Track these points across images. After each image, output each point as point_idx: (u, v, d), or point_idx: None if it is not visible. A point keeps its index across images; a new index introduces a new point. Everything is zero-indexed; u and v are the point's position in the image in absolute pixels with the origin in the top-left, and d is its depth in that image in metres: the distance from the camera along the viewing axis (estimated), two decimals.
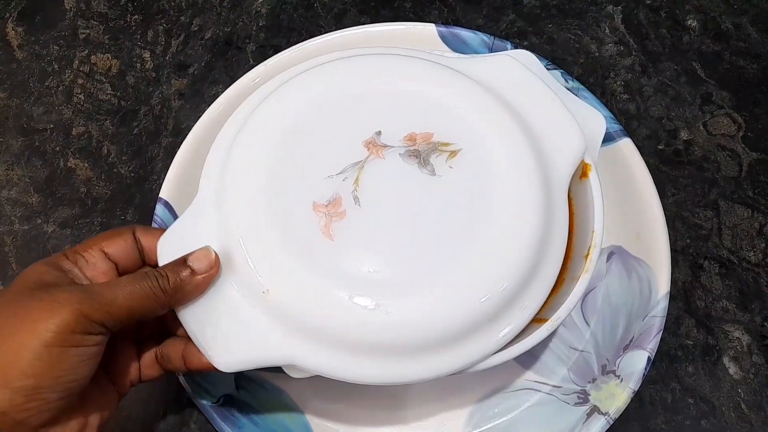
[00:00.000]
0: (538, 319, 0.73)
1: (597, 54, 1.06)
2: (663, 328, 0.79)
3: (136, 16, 1.11)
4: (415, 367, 0.57)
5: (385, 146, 0.62)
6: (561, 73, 0.96)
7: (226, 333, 0.56)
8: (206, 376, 0.78)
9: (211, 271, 0.55)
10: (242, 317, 0.56)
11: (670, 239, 0.84)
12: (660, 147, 0.99)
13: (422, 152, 0.61)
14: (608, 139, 0.90)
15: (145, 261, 0.60)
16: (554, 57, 1.04)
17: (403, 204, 0.60)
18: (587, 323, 0.84)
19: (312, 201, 0.59)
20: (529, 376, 0.81)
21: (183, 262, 0.54)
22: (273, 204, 0.58)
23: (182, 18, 1.11)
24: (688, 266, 0.91)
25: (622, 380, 0.77)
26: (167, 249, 0.56)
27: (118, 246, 0.56)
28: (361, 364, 0.56)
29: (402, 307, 0.56)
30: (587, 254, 0.72)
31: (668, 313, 0.80)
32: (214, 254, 0.56)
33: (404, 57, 0.68)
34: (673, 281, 0.87)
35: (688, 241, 0.92)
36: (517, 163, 0.62)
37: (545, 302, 0.75)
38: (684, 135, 0.99)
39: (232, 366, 0.56)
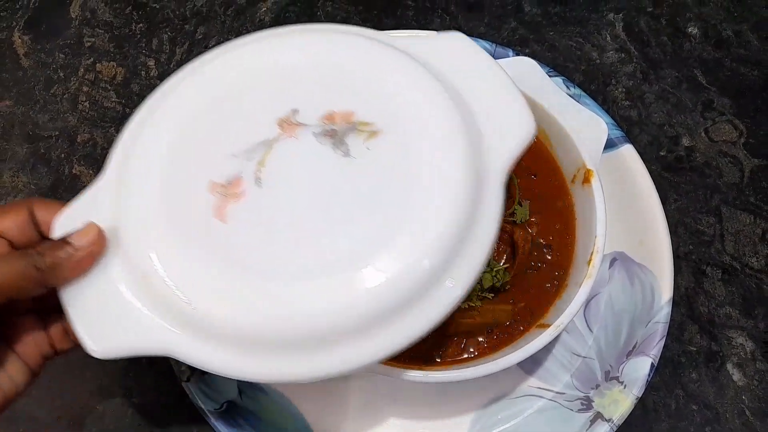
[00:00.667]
0: (540, 325, 0.73)
1: (598, 61, 1.07)
2: (666, 334, 0.79)
3: (141, 25, 1.12)
4: (312, 361, 0.50)
5: (300, 125, 0.57)
6: (563, 80, 0.96)
7: (104, 318, 0.52)
8: (209, 382, 0.78)
9: (93, 248, 0.51)
10: (122, 302, 0.52)
11: (672, 245, 0.84)
12: (662, 153, 0.99)
13: (339, 132, 0.56)
14: (610, 145, 0.91)
15: (43, 236, 0.55)
16: (556, 64, 1.05)
17: (309, 187, 0.54)
18: (590, 329, 0.84)
19: (209, 180, 0.54)
20: (532, 382, 0.80)
21: (63, 239, 0.50)
22: (167, 183, 0.54)
23: (186, 26, 1.12)
24: (691, 272, 0.91)
25: (625, 387, 0.77)
26: (63, 225, 0.53)
27: (10, 222, 0.52)
28: (249, 359, 0.50)
29: (291, 295, 0.50)
30: (590, 260, 0.72)
31: (671, 319, 0.80)
32: (97, 230, 0.52)
33: (338, 33, 0.63)
34: (676, 287, 0.87)
35: (691, 247, 0.92)
36: (444, 146, 0.55)
37: (547, 308, 0.75)
38: (686, 141, 1.00)
39: (106, 353, 0.51)
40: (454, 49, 0.64)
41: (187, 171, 0.55)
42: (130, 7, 1.14)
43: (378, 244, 0.51)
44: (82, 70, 1.08)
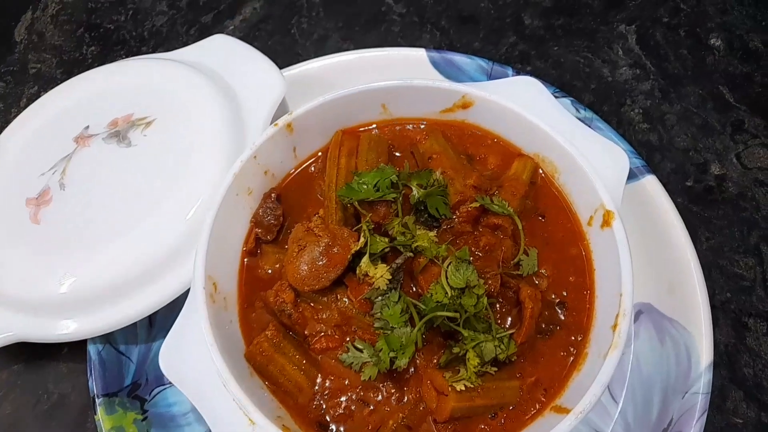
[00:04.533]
0: (556, 408, 0.59)
1: (610, 78, 0.94)
2: (708, 408, 0.65)
3: (93, 48, 0.99)
4: (129, 306, 0.68)
5: (91, 136, 0.78)
6: (571, 101, 0.83)
7: None
8: None
9: None
10: None
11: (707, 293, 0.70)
12: (688, 183, 0.86)
13: (122, 131, 0.77)
14: (630, 176, 0.77)
15: None
16: (562, 83, 0.92)
17: (103, 179, 0.74)
18: (614, 400, 0.69)
19: (25, 197, 0.75)
20: None
21: None
22: None
23: (144, 48, 0.99)
24: (731, 325, 0.77)
25: None
26: None
27: None
28: (73, 323, 0.69)
29: (88, 270, 0.68)
30: (615, 324, 0.59)
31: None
32: None
33: (124, 62, 0.86)
34: (714, 345, 0.72)
35: (729, 294, 0.78)
36: (207, 118, 0.75)
37: (564, 384, 0.61)
38: (715, 169, 0.86)
39: None
40: (223, 49, 0.85)
41: (11, 197, 0.76)
42: (81, 29, 1.01)
43: (149, 221, 0.70)
44: (25, 99, 0.96)
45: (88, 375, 0.69)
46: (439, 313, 0.56)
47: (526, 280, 0.65)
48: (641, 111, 0.91)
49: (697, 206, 0.84)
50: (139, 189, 0.72)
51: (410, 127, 0.76)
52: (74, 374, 0.75)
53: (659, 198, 0.77)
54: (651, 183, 0.78)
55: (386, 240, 0.62)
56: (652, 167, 0.81)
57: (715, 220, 0.83)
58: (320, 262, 0.62)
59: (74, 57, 0.98)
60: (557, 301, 0.65)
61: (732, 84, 0.92)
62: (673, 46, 0.96)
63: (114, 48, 0.99)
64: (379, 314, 0.59)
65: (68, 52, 0.99)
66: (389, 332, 0.58)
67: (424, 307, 0.58)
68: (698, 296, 0.71)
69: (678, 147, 0.88)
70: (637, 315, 0.74)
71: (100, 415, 0.66)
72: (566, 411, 0.55)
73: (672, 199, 0.77)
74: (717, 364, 0.74)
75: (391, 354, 0.56)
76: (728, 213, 0.83)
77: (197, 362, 0.58)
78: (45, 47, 1.00)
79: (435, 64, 0.88)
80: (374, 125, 0.75)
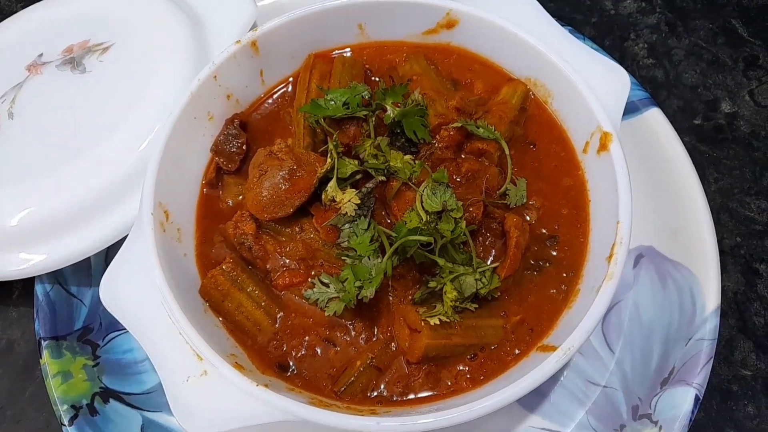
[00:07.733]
0: (543, 347, 0.52)
1: (613, 12, 0.86)
2: (714, 355, 0.59)
3: None
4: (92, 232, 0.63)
5: (44, 64, 0.73)
6: (569, 30, 0.76)
7: None
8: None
9: None
10: None
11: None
12: (696, 122, 0.79)
13: (77, 58, 0.72)
14: (632, 110, 0.71)
15: None
16: (560, 15, 0.85)
17: (54, 108, 0.70)
18: (611, 349, 0.63)
19: None
20: (535, 421, 0.60)
21: None
22: None
23: None
24: (740, 272, 0.70)
25: (660, 427, 0.57)
26: None
27: None
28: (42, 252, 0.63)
29: (37, 202, 0.63)
30: (611, 255, 0.52)
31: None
32: None
33: None
34: (722, 292, 0.66)
35: (738, 239, 0.72)
36: (168, 43, 0.70)
37: (552, 323, 0.55)
38: (726, 107, 0.79)
39: None
40: None
41: None
42: None
43: (99, 150, 0.65)
44: None
45: (35, 317, 0.63)
46: (411, 237, 0.50)
47: (513, 211, 0.58)
48: (646, 46, 0.84)
49: (706, 146, 0.77)
50: (92, 118, 0.68)
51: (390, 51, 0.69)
52: (25, 319, 0.70)
53: (664, 132, 0.70)
54: (655, 116, 0.71)
55: (356, 163, 0.55)
56: (657, 105, 0.74)
57: (725, 160, 0.76)
58: (283, 187, 0.55)
59: None
60: (548, 235, 0.58)
61: (746, 17, 0.85)
62: None
63: None
64: (346, 243, 0.53)
65: None
66: (357, 262, 0.51)
67: (396, 235, 0.52)
68: (705, 237, 0.65)
69: (686, 83, 0.81)
70: (638, 259, 0.67)
71: (46, 358, 0.61)
72: (553, 349, 0.49)
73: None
74: (725, 313, 0.68)
75: (357, 284, 0.50)
76: (739, 153, 0.76)
77: (142, 293, 0.52)
78: None
79: None
80: (349, 49, 0.68)
